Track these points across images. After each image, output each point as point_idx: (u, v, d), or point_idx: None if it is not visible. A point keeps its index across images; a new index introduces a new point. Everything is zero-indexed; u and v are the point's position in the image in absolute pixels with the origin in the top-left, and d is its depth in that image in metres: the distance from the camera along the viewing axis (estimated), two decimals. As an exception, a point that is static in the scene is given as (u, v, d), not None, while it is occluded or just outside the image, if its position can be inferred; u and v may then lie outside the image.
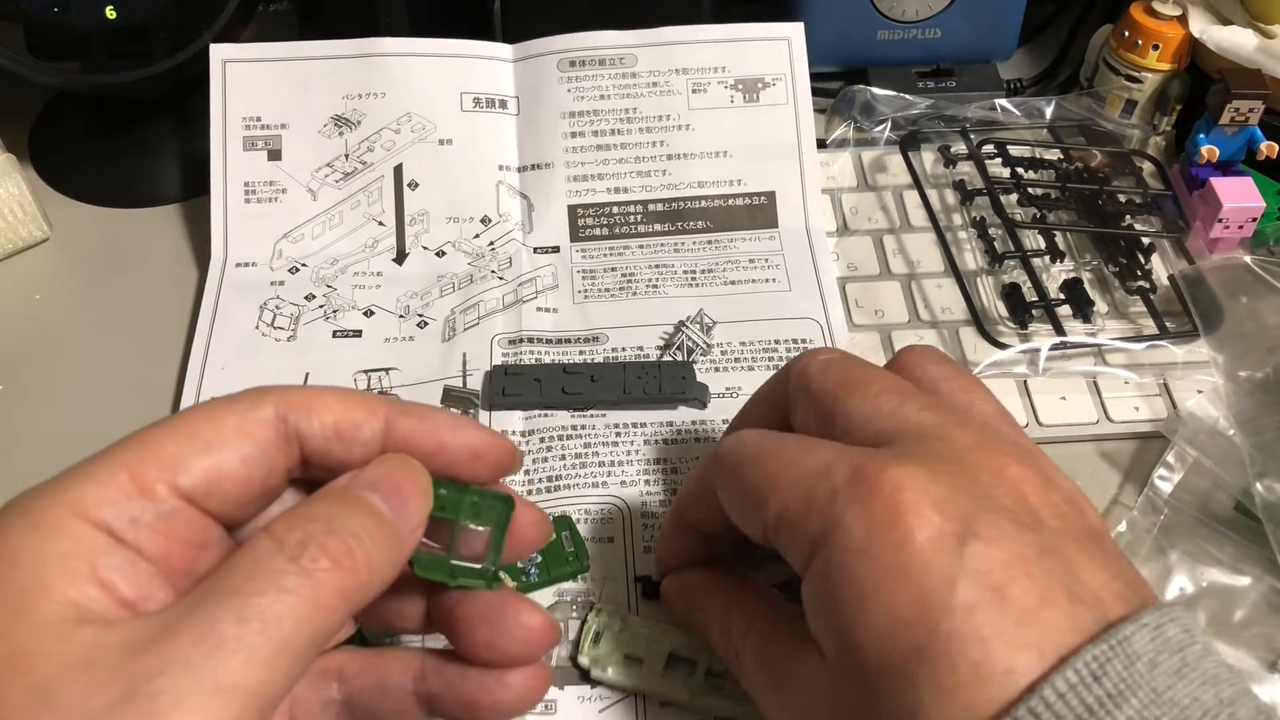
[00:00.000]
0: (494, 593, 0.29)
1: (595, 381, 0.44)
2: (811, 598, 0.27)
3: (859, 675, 0.25)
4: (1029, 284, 0.47)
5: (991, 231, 0.50)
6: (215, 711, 0.21)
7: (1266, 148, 0.50)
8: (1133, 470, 0.43)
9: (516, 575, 0.37)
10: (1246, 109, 0.49)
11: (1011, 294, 0.48)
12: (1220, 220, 0.49)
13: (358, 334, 0.47)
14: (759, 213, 0.51)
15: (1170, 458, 0.42)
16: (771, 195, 0.52)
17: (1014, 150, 0.53)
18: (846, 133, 0.55)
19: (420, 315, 0.48)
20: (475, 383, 0.45)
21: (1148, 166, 0.53)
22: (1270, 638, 0.38)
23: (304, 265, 0.50)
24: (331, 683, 0.29)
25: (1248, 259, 0.46)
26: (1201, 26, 0.53)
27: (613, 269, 0.50)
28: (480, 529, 0.29)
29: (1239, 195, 0.48)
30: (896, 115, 0.54)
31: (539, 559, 0.38)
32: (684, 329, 0.47)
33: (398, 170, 0.51)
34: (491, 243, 0.51)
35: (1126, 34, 0.55)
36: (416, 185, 0.51)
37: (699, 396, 0.44)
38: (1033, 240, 0.49)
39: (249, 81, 0.51)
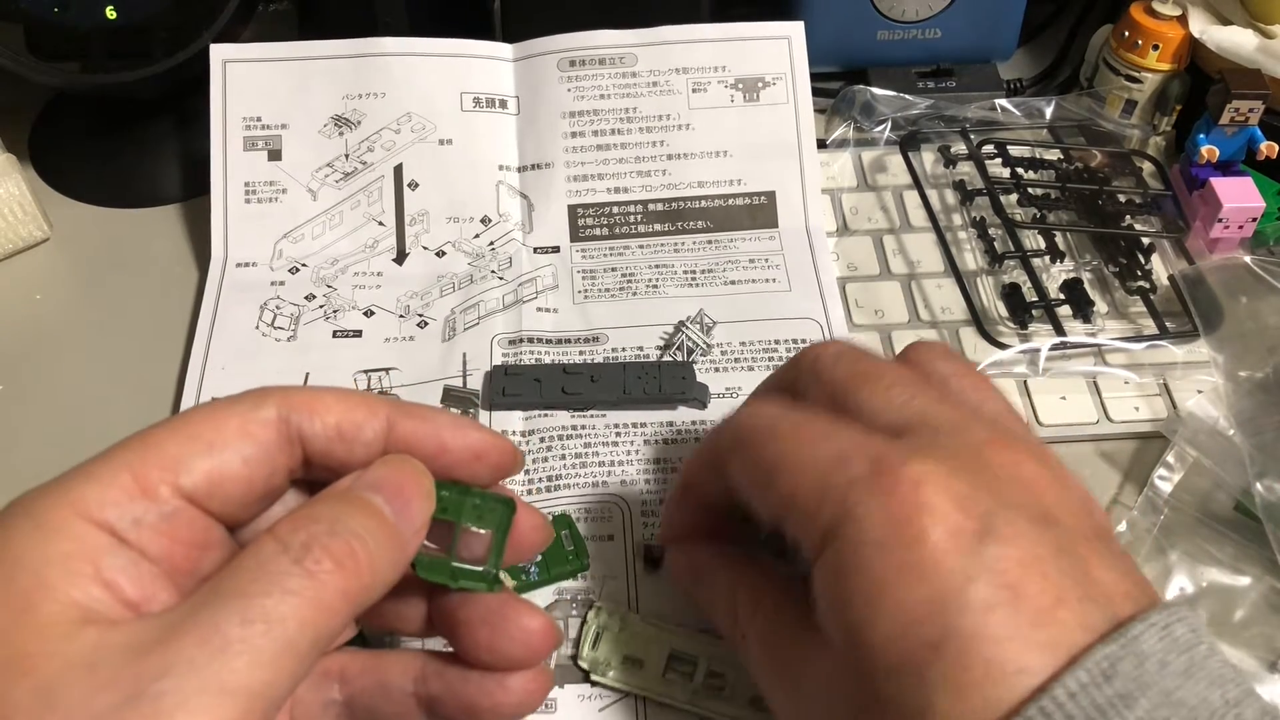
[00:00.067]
0: (495, 595, 0.29)
1: (595, 382, 0.44)
2: (822, 588, 0.27)
3: (869, 670, 0.25)
4: (1029, 284, 0.47)
5: (991, 231, 0.50)
6: (219, 712, 0.21)
7: (1266, 148, 0.50)
8: (1133, 470, 0.44)
9: (516, 574, 0.37)
10: (1246, 109, 0.49)
11: (1011, 294, 0.48)
12: (1220, 220, 0.49)
13: (358, 334, 0.47)
14: (759, 213, 0.51)
15: (1170, 458, 0.42)
16: (771, 195, 0.52)
17: (1014, 150, 0.53)
18: (846, 133, 0.55)
19: (420, 315, 0.48)
20: (475, 383, 0.45)
21: (1148, 166, 0.53)
22: (1270, 638, 0.38)
23: (304, 265, 0.50)
24: (333, 684, 0.29)
25: (1248, 259, 0.46)
26: (1201, 26, 0.53)
27: (613, 269, 0.50)
28: (482, 532, 0.29)
29: (1239, 195, 0.49)
30: (896, 115, 0.54)
31: (539, 558, 0.38)
32: (684, 329, 0.47)
33: (398, 170, 0.51)
34: (491, 243, 0.51)
35: (1126, 34, 0.55)
36: (416, 185, 0.51)
37: (699, 397, 0.44)
38: (1033, 240, 0.50)
39: (249, 81, 0.51)
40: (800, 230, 0.51)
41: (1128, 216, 0.51)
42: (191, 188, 0.55)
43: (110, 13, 0.50)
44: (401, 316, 0.48)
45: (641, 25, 0.52)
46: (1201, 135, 0.50)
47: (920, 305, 0.49)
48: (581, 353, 0.46)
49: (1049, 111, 0.55)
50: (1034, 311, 0.47)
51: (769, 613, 0.31)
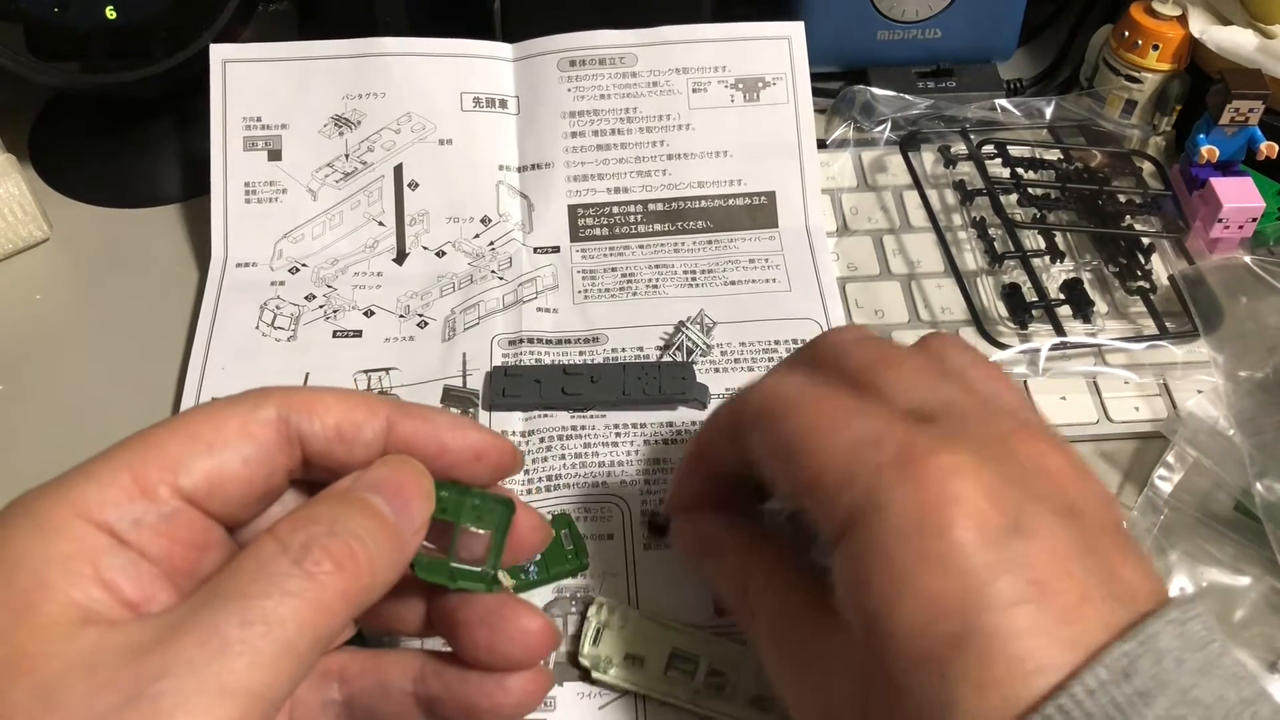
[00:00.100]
0: (494, 596, 0.29)
1: (595, 382, 0.44)
2: (844, 572, 0.26)
3: (888, 659, 0.25)
4: (1029, 284, 0.47)
5: (991, 231, 0.50)
6: (219, 713, 0.21)
7: (1266, 148, 0.50)
8: (1133, 470, 0.43)
9: (515, 573, 0.37)
10: (1246, 109, 0.49)
11: (1011, 294, 0.48)
12: (1220, 220, 0.49)
13: (358, 334, 0.47)
14: (759, 212, 0.51)
15: (1170, 458, 0.42)
16: (771, 195, 0.52)
17: (1014, 150, 0.53)
18: (846, 133, 0.55)
19: (420, 315, 0.48)
20: (475, 382, 0.45)
21: (1148, 166, 0.53)
22: (1270, 638, 0.38)
23: (304, 265, 0.50)
24: (332, 684, 0.29)
25: (1248, 259, 0.46)
26: (1201, 26, 0.53)
27: (613, 269, 0.50)
28: (481, 532, 0.29)
29: (1239, 195, 0.49)
30: (896, 115, 0.54)
31: (538, 557, 0.38)
32: (684, 329, 0.47)
33: (398, 170, 0.51)
34: (491, 243, 0.51)
35: (1126, 34, 0.55)
36: (416, 185, 0.51)
37: (699, 397, 0.44)
38: (1033, 240, 0.50)
39: (249, 81, 0.51)
40: (800, 230, 0.51)
41: (1128, 216, 0.51)
42: (191, 188, 0.55)
43: (110, 13, 0.50)
44: (401, 316, 0.48)
45: (642, 25, 0.52)
46: (1201, 135, 0.50)
47: (920, 305, 0.49)
48: (581, 353, 0.46)
49: (1049, 111, 0.55)
50: (1034, 311, 0.47)
51: (780, 591, 0.30)
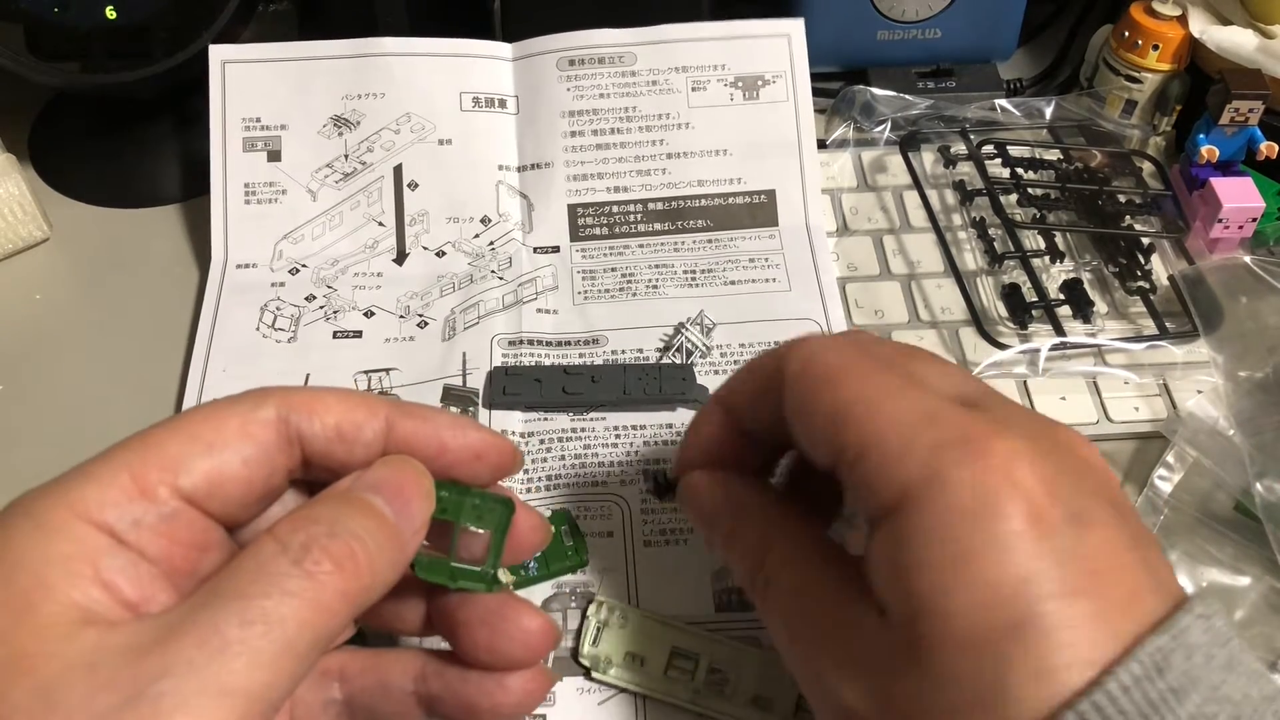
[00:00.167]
0: (494, 595, 0.29)
1: (596, 382, 0.44)
2: (890, 550, 0.25)
3: (937, 643, 0.24)
4: (1029, 284, 0.47)
5: (991, 232, 0.50)
6: (219, 714, 0.21)
7: (1266, 148, 0.50)
8: (1133, 470, 0.43)
9: (515, 570, 0.37)
10: (1246, 109, 0.49)
11: (1011, 294, 0.48)
12: (1220, 220, 0.49)
13: (358, 334, 0.47)
14: (759, 211, 0.51)
15: (1170, 458, 0.42)
16: (771, 193, 0.52)
17: (1014, 150, 0.53)
18: (846, 133, 0.55)
19: (420, 315, 0.48)
20: (475, 381, 0.45)
21: (1148, 166, 0.53)
22: (1270, 638, 0.38)
23: (304, 266, 0.50)
24: (333, 683, 0.29)
25: (1248, 259, 0.46)
26: (1201, 26, 0.53)
27: (613, 269, 0.50)
28: (481, 532, 0.29)
29: (1239, 195, 0.49)
30: (896, 115, 0.54)
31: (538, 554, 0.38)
32: (684, 331, 0.47)
33: (397, 170, 0.51)
34: (491, 243, 0.51)
35: (1126, 34, 0.55)
36: (416, 185, 0.51)
37: (699, 399, 0.44)
38: (1032, 240, 0.50)
39: (248, 82, 0.51)
40: (800, 228, 0.51)
41: (1128, 216, 0.51)
42: (191, 188, 0.55)
43: (110, 13, 0.50)
44: (401, 317, 0.48)
45: (641, 24, 0.52)
46: (1201, 135, 0.50)
47: (920, 305, 0.49)
48: (581, 355, 0.46)
49: (1049, 111, 0.55)
50: (1034, 311, 0.47)
51: (803, 565, 0.29)
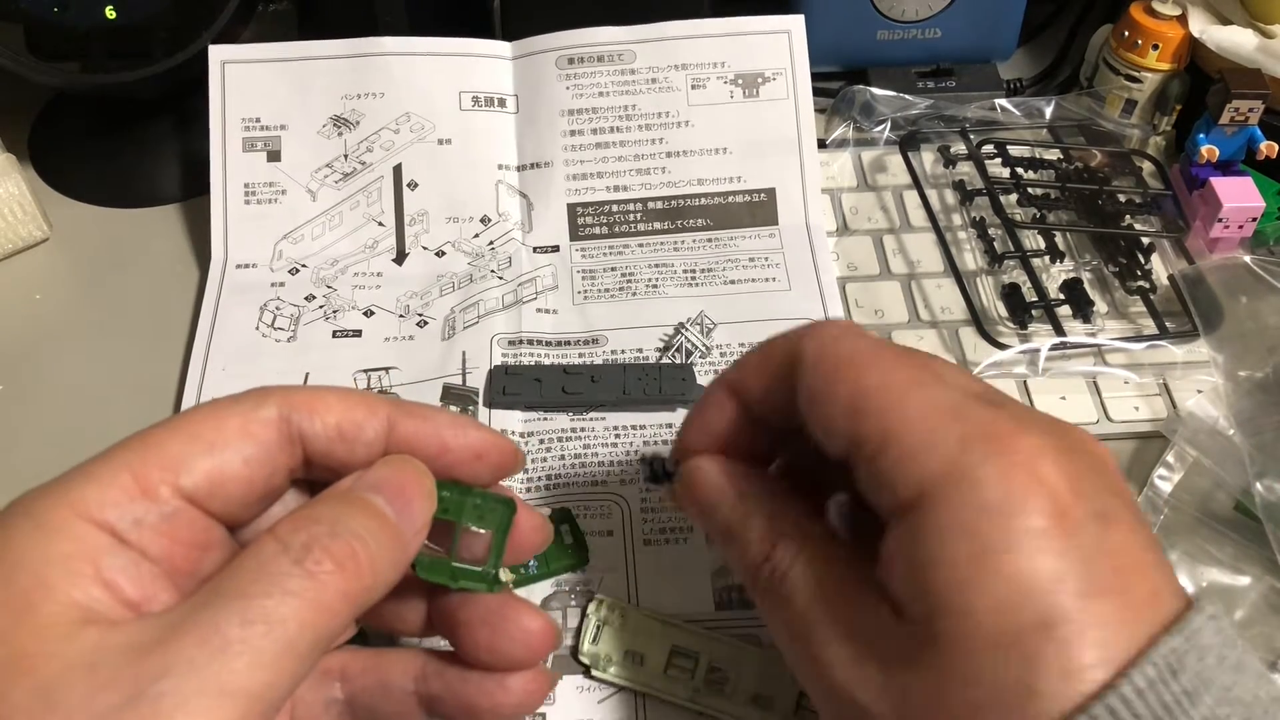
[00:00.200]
0: (494, 596, 0.29)
1: (596, 381, 0.44)
2: (911, 545, 0.25)
3: (961, 640, 0.23)
4: (1029, 284, 0.47)
5: (991, 231, 0.50)
6: (219, 713, 0.21)
7: (1266, 148, 0.50)
8: (1133, 470, 0.43)
9: (515, 568, 0.37)
10: (1246, 109, 0.49)
11: (1011, 294, 0.48)
12: (1220, 220, 0.49)
13: (358, 334, 0.47)
14: (759, 210, 0.51)
15: (1170, 457, 0.42)
16: (771, 192, 0.52)
17: (1014, 150, 0.53)
18: (846, 133, 0.55)
19: (420, 315, 0.48)
20: (474, 380, 0.45)
21: (1148, 166, 0.53)
22: (1270, 638, 0.38)
23: (304, 266, 0.50)
24: (334, 683, 0.29)
25: (1248, 259, 0.46)
26: (1201, 26, 0.53)
27: (612, 268, 0.50)
28: (482, 532, 0.29)
29: (1239, 195, 0.49)
30: (896, 115, 0.54)
31: (538, 553, 0.38)
32: (684, 331, 0.47)
33: (397, 170, 0.51)
34: (491, 242, 0.51)
35: (1126, 34, 0.55)
36: (416, 185, 0.51)
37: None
38: (1032, 240, 0.50)
39: (248, 82, 0.51)
40: (800, 227, 0.51)
41: (1128, 216, 0.51)
42: (191, 188, 0.55)
43: (110, 13, 0.50)
44: (401, 316, 0.48)
45: (641, 21, 0.52)
46: (1201, 135, 0.50)
47: (920, 305, 0.49)
48: (581, 355, 0.46)
49: (1049, 111, 0.55)
50: (1034, 311, 0.47)
51: (815, 560, 0.28)
